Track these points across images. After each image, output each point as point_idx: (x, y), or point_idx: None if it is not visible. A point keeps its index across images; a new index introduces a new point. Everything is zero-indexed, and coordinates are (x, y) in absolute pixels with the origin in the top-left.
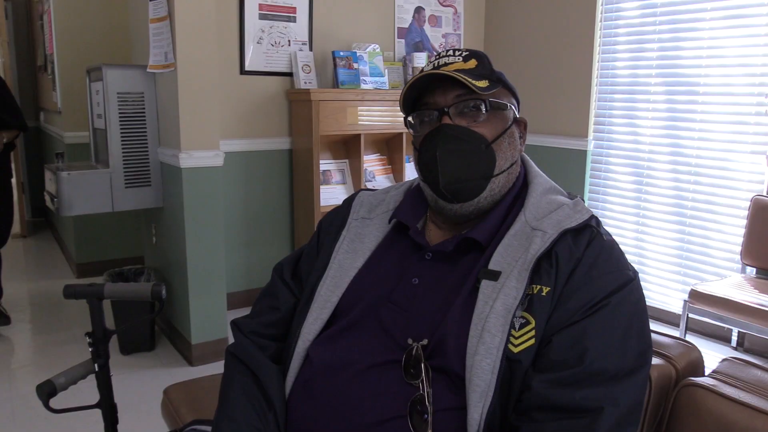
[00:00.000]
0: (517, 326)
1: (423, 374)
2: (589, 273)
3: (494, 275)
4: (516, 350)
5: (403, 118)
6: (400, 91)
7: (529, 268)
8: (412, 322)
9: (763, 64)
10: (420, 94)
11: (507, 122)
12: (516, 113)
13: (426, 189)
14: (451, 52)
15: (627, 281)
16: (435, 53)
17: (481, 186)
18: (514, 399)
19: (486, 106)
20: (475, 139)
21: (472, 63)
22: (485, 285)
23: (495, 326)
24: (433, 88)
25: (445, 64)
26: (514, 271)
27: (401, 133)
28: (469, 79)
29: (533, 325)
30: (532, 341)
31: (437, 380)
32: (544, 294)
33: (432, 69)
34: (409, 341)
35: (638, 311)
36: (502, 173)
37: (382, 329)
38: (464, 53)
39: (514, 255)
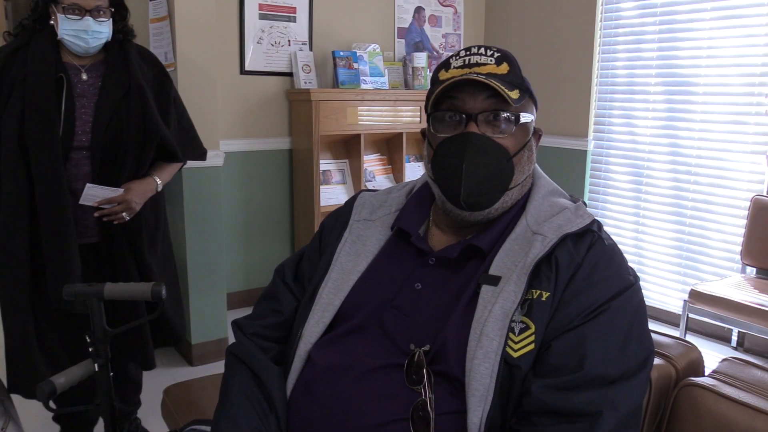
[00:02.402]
0: (516, 331)
1: (425, 380)
2: (589, 278)
3: (494, 280)
4: (515, 355)
5: (424, 109)
6: (401, 91)
7: (528, 272)
8: (415, 328)
9: (762, 64)
10: (445, 90)
11: (529, 134)
12: (534, 123)
13: (436, 189)
14: (482, 50)
15: (627, 286)
16: (464, 48)
17: (496, 198)
18: (514, 403)
19: (516, 119)
20: (500, 152)
21: (504, 68)
22: (485, 290)
23: (493, 330)
24: (463, 88)
25: (477, 64)
26: (513, 275)
27: (401, 133)
28: (506, 90)
29: (533, 330)
30: (532, 346)
31: (439, 384)
32: (544, 299)
33: (462, 66)
34: (412, 347)
35: (638, 316)
36: (516, 186)
37: (385, 334)
38: (496, 54)
39: (514, 259)
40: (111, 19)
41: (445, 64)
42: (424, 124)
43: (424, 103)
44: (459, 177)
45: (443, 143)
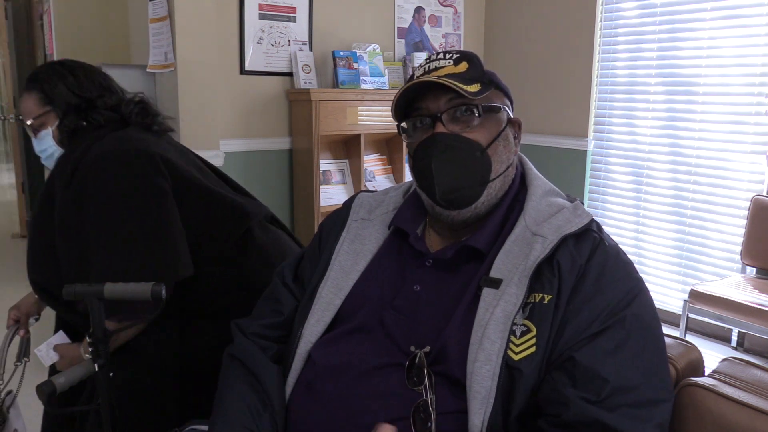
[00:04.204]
0: (517, 333)
1: (426, 381)
2: (598, 282)
3: (495, 283)
4: (516, 357)
5: (397, 124)
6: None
7: (529, 275)
8: (415, 329)
9: (762, 64)
10: (412, 99)
11: (501, 124)
12: (510, 114)
13: (422, 195)
14: (441, 56)
15: (637, 286)
16: (426, 57)
17: (478, 192)
18: (517, 406)
19: (478, 111)
20: (470, 146)
21: (463, 66)
22: (486, 293)
23: (494, 333)
24: (425, 94)
25: (436, 69)
26: (514, 277)
27: None
28: (460, 84)
29: (534, 333)
30: (533, 349)
31: (440, 385)
32: (545, 302)
33: (423, 74)
34: (412, 348)
35: (654, 318)
36: (498, 177)
37: (386, 334)
38: (455, 56)
39: (515, 261)
40: (49, 130)
41: (411, 78)
42: None
43: None
44: (431, 177)
45: (417, 149)
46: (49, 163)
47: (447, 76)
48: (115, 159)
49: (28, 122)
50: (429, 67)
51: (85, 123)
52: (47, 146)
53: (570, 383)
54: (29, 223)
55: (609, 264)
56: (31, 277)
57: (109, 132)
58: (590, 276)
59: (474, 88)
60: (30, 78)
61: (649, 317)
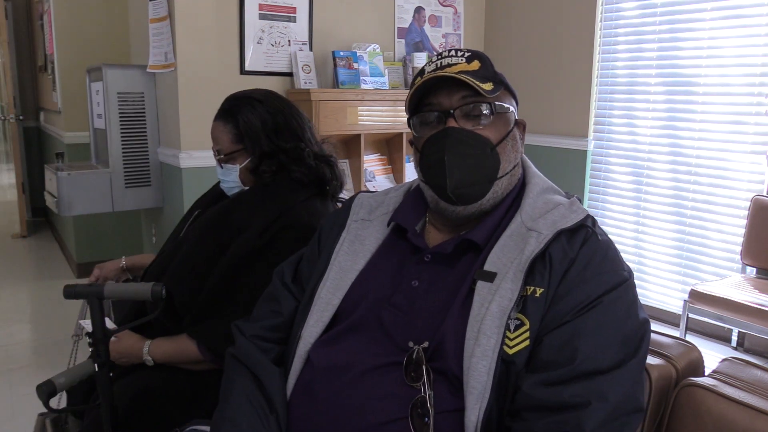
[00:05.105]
0: (512, 327)
1: (424, 377)
2: (582, 273)
3: (490, 276)
4: (511, 352)
5: (406, 119)
6: (401, 91)
7: (524, 270)
8: (413, 325)
9: (762, 64)
10: (423, 95)
11: (510, 125)
12: (516, 115)
13: (427, 191)
14: (453, 53)
15: (621, 281)
16: (435, 53)
17: (486, 189)
18: (510, 400)
19: (492, 109)
20: (482, 142)
21: (476, 64)
22: (481, 286)
23: (490, 328)
24: (437, 90)
25: (449, 65)
26: (509, 272)
27: (401, 133)
28: (477, 82)
29: (527, 326)
30: (527, 342)
31: (438, 383)
32: (537, 295)
33: (434, 69)
34: (410, 344)
35: (631, 312)
36: (505, 175)
37: (383, 332)
38: (466, 54)
39: (510, 256)
40: (237, 167)
41: (421, 72)
42: None
43: None
44: (443, 171)
45: (426, 143)
46: (228, 192)
47: (461, 73)
48: (308, 234)
49: (218, 154)
50: (441, 63)
51: (275, 168)
52: (231, 180)
53: (532, 367)
54: (190, 232)
55: (596, 256)
56: (165, 281)
57: (312, 195)
58: (576, 266)
59: (488, 86)
60: (228, 109)
61: (628, 301)
